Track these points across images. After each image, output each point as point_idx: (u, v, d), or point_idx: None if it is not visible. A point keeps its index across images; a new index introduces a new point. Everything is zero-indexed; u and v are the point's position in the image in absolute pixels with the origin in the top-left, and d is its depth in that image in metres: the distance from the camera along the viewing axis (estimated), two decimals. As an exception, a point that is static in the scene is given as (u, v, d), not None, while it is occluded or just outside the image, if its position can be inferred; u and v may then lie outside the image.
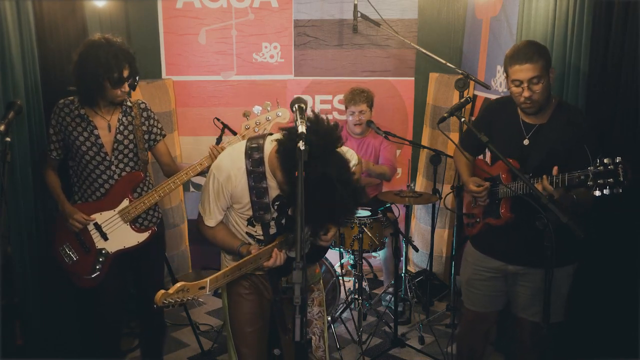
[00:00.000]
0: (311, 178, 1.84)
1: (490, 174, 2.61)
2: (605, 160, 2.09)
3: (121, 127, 2.86)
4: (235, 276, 2.15)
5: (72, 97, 2.85)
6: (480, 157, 2.89)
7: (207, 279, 2.01)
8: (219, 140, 4.29)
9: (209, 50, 4.62)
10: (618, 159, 2.07)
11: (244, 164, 2.17)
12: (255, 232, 2.32)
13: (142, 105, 2.94)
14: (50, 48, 3.21)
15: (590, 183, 2.10)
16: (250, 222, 2.31)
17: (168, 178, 2.86)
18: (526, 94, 2.38)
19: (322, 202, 1.89)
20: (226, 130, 3.65)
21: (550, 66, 2.40)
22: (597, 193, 2.10)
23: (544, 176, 2.27)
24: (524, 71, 2.35)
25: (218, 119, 4.33)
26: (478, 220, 2.70)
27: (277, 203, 2.22)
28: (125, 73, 2.72)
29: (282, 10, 4.59)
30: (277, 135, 2.16)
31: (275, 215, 2.25)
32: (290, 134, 1.98)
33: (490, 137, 2.36)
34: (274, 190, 2.21)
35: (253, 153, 2.16)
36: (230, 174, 2.19)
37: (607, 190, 2.08)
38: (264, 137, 2.24)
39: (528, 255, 2.50)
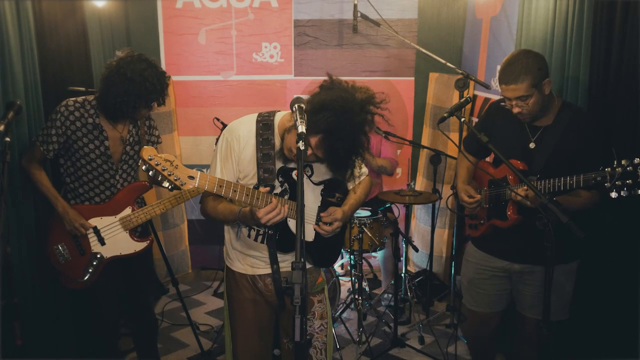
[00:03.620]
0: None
1: (496, 176, 2.60)
2: (623, 162, 2.08)
3: (131, 139, 2.86)
4: (233, 196, 2.05)
5: (81, 99, 2.76)
6: (487, 159, 2.87)
7: (199, 172, 1.96)
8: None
9: (208, 50, 4.63)
10: (637, 160, 2.06)
11: (254, 127, 2.23)
12: None
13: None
14: (50, 48, 3.20)
15: (607, 184, 2.09)
16: None
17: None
18: (515, 110, 2.39)
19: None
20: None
21: (545, 78, 2.35)
22: (614, 195, 2.09)
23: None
24: (510, 91, 2.35)
25: (218, 119, 4.34)
26: (482, 222, 2.67)
27: (281, 177, 2.23)
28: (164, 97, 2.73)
29: (282, 10, 4.59)
30: (285, 113, 2.24)
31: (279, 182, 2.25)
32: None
33: (494, 139, 2.35)
34: (280, 161, 2.21)
35: (264, 118, 2.24)
36: (240, 134, 2.22)
37: (625, 191, 2.07)
38: (273, 112, 2.29)
39: (534, 253, 2.47)
